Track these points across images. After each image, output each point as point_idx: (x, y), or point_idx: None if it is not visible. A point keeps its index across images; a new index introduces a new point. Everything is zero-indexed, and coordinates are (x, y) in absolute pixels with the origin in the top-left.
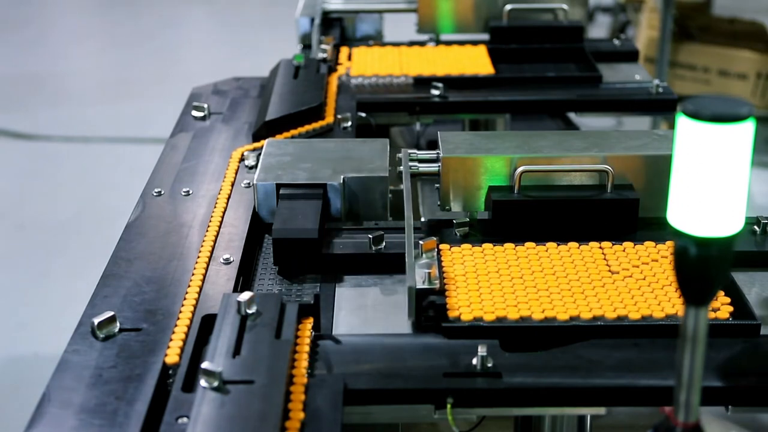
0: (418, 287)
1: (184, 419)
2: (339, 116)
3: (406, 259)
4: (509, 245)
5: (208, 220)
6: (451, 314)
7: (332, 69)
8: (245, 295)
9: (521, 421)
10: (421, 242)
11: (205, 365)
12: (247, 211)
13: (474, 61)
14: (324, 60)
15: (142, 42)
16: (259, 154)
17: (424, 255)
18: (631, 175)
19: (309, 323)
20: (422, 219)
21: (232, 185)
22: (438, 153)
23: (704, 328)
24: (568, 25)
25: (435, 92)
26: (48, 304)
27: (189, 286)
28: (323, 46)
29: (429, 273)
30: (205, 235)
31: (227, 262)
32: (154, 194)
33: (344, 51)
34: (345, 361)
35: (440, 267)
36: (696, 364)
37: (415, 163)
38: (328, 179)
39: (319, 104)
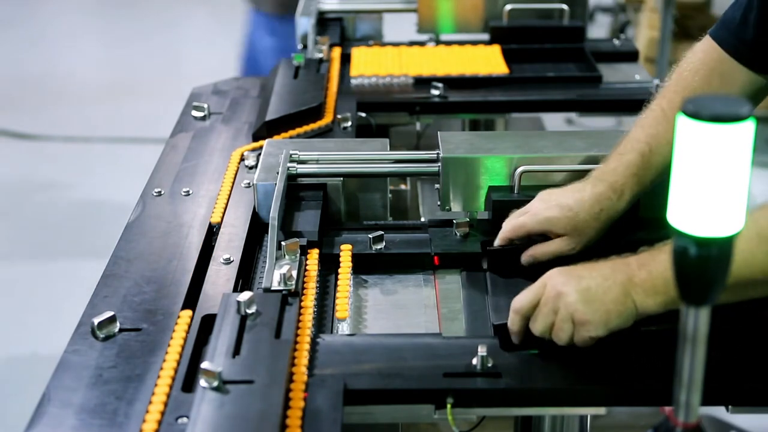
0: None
1: (184, 419)
2: (339, 116)
3: None
4: None
5: (208, 220)
6: None
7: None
8: (245, 295)
9: (521, 421)
10: (284, 243)
11: (205, 365)
12: (247, 211)
13: (487, 60)
14: (321, 60)
15: (143, 42)
16: (259, 154)
17: (285, 256)
18: None
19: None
20: (422, 219)
21: (232, 185)
22: (438, 153)
23: (704, 328)
24: (568, 25)
25: (435, 92)
26: (48, 304)
27: (189, 286)
28: (319, 46)
29: (285, 274)
30: (205, 235)
31: (227, 262)
32: (154, 194)
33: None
34: (345, 361)
35: None
36: (696, 364)
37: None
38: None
39: (319, 104)
